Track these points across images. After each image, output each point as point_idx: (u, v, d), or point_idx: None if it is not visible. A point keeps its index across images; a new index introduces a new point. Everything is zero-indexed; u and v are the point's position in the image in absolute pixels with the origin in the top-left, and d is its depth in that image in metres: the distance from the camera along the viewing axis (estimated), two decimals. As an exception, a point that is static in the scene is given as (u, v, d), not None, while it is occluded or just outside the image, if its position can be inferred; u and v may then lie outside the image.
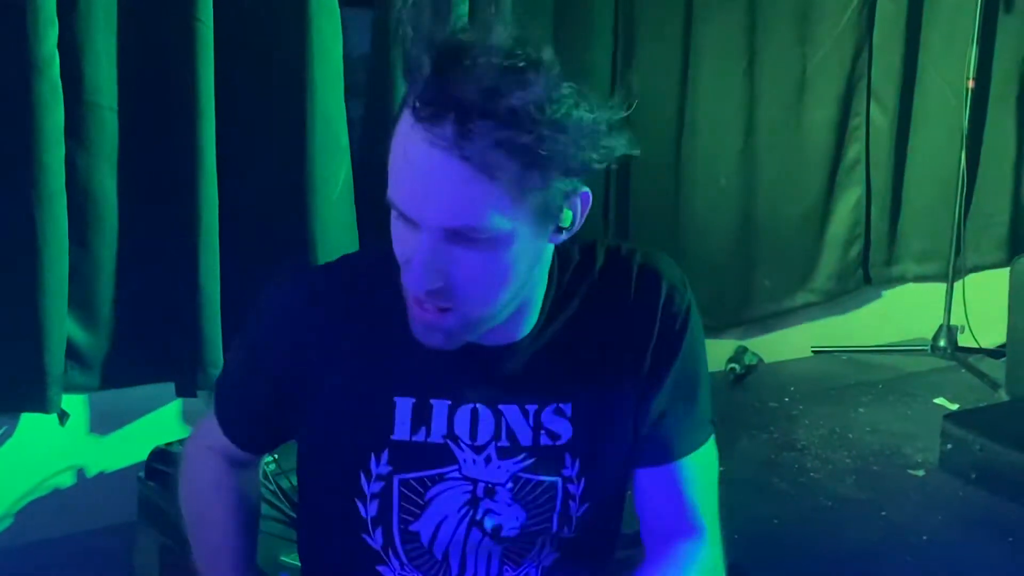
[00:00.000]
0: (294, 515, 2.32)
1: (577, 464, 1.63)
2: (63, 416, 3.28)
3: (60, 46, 3.09)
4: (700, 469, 1.69)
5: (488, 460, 1.61)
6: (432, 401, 1.60)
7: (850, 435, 4.29)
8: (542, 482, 1.62)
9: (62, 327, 3.21)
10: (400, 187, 1.39)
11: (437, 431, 1.60)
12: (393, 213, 1.44)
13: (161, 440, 3.19)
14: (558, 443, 1.61)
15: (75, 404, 3.36)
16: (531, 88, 1.34)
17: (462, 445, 1.60)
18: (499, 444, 1.61)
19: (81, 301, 3.29)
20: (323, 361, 1.60)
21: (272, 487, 2.78)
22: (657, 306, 1.62)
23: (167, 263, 3.37)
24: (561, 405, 1.61)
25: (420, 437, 1.60)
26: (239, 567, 1.80)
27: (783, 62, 4.84)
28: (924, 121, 5.16)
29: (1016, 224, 5.41)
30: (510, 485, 1.62)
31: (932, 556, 3.51)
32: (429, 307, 1.46)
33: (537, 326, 1.60)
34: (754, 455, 4.14)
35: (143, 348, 3.41)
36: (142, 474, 3.16)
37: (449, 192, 1.36)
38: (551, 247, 1.56)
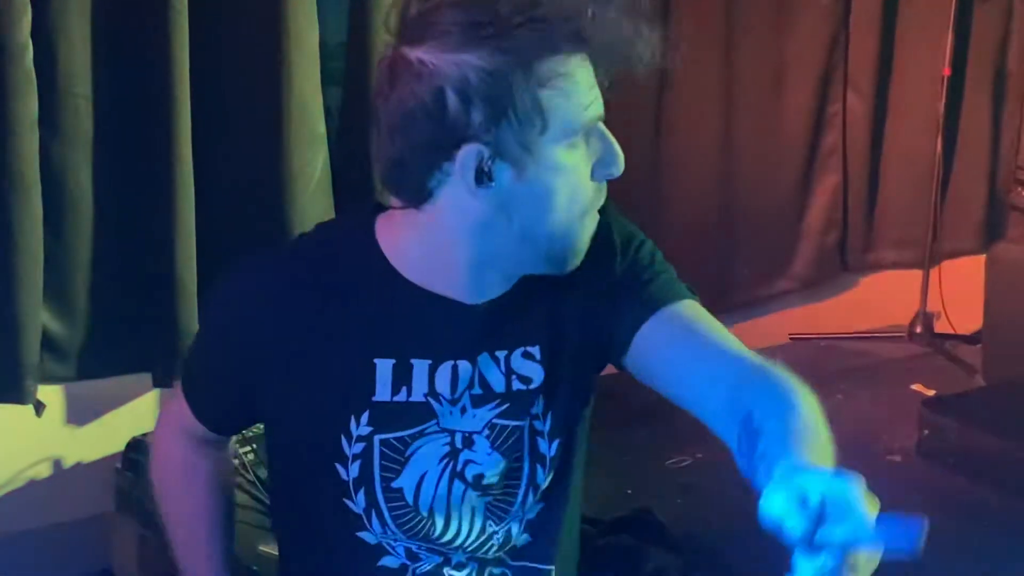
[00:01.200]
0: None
1: (548, 406, 1.66)
2: (39, 407, 3.27)
3: (34, 34, 3.07)
4: (704, 313, 1.71)
5: (463, 410, 1.64)
6: (412, 361, 1.62)
7: (827, 422, 4.29)
8: (516, 426, 1.65)
9: (37, 317, 3.20)
10: (596, 101, 1.55)
11: (418, 390, 1.63)
12: (571, 154, 1.54)
13: (138, 430, 3.18)
14: (531, 387, 1.65)
15: (51, 395, 3.35)
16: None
17: (442, 400, 1.63)
18: (472, 392, 1.64)
19: (56, 291, 3.28)
20: (296, 338, 1.62)
21: (251, 477, 2.78)
22: (615, 244, 1.70)
23: (143, 253, 3.36)
24: (528, 348, 1.65)
25: (402, 397, 1.62)
26: (215, 547, 1.85)
27: (760, 50, 4.84)
28: (901, 109, 5.17)
29: (992, 210, 5.42)
30: (487, 432, 1.65)
31: (910, 542, 3.52)
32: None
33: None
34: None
35: (119, 338, 3.40)
36: (119, 465, 3.16)
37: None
38: None
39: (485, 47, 1.46)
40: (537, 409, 1.65)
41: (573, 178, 1.53)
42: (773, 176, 5.01)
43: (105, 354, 3.40)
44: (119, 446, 3.19)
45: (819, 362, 5.00)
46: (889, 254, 5.33)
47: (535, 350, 1.64)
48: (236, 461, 3.21)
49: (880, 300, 5.35)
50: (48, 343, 3.28)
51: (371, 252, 1.63)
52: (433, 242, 1.58)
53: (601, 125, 1.56)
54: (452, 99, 1.47)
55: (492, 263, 1.58)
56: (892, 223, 5.28)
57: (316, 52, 3.48)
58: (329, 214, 3.55)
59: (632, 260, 1.71)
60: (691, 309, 1.69)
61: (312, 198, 3.49)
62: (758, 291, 5.01)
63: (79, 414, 3.48)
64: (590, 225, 1.60)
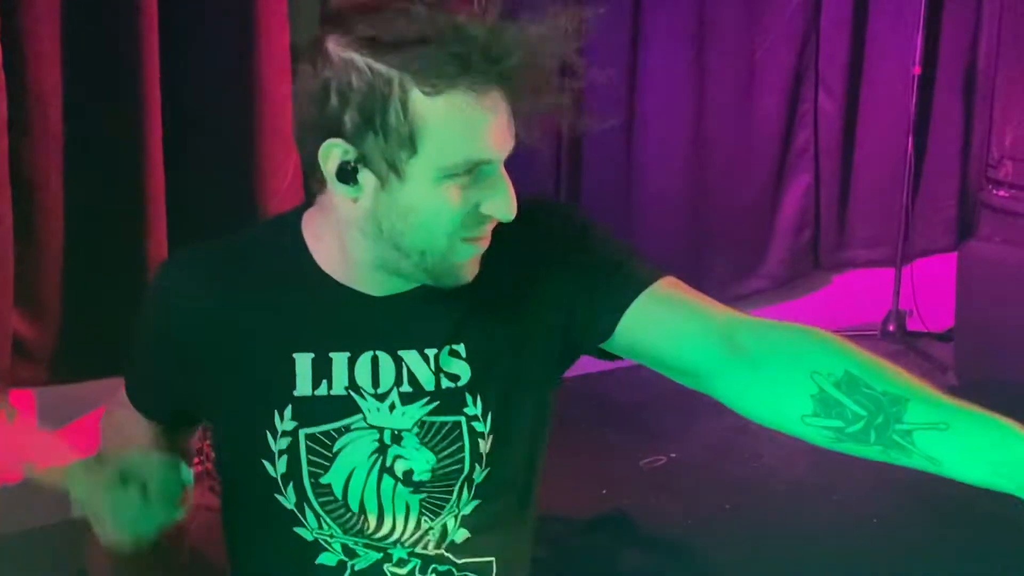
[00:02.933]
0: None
1: (479, 402, 1.64)
2: (10, 411, 3.25)
3: (3, 37, 3.06)
4: (684, 285, 1.66)
5: (392, 407, 1.62)
6: (331, 354, 1.62)
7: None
8: (446, 423, 1.64)
9: (7, 321, 3.18)
10: (478, 142, 1.48)
11: (339, 383, 1.62)
12: (443, 187, 1.48)
13: (110, 434, 3.17)
14: (459, 384, 1.64)
15: (23, 399, 3.33)
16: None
17: (364, 395, 1.62)
18: (401, 390, 1.63)
19: (27, 295, 3.26)
20: (218, 333, 1.64)
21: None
22: (550, 227, 1.67)
23: (114, 255, 3.35)
24: (454, 346, 1.64)
25: (323, 390, 1.62)
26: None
27: (731, 49, 4.85)
28: (872, 107, 5.19)
29: (963, 209, 5.45)
30: (416, 430, 1.63)
31: (884, 538, 3.53)
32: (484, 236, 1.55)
33: None
34: (707, 440, 4.15)
35: (91, 342, 3.39)
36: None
37: (509, 120, 1.52)
38: None
39: (378, 56, 1.45)
40: (474, 410, 1.64)
41: (440, 207, 1.49)
42: (745, 175, 5.02)
43: (77, 358, 3.38)
44: (90, 452, 3.17)
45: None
46: (861, 252, 5.36)
47: (460, 348, 1.64)
48: (208, 464, 3.21)
49: (853, 298, 5.37)
50: (19, 347, 3.27)
51: (294, 245, 1.63)
52: (337, 233, 1.59)
53: (495, 168, 1.51)
54: (333, 95, 1.47)
55: (383, 265, 1.58)
56: (864, 221, 5.31)
57: (287, 53, 3.47)
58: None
59: (593, 246, 1.67)
60: (667, 287, 1.64)
61: (283, 199, 3.48)
62: (731, 290, 5.03)
63: (51, 418, 3.46)
64: (469, 249, 1.54)
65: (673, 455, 3.90)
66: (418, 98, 1.45)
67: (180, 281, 1.68)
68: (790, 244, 5.18)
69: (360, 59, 1.46)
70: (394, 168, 1.48)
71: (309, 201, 1.65)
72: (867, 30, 5.13)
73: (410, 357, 1.63)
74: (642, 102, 4.66)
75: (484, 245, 1.55)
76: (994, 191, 5.02)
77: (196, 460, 3.19)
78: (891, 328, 5.13)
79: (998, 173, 5.01)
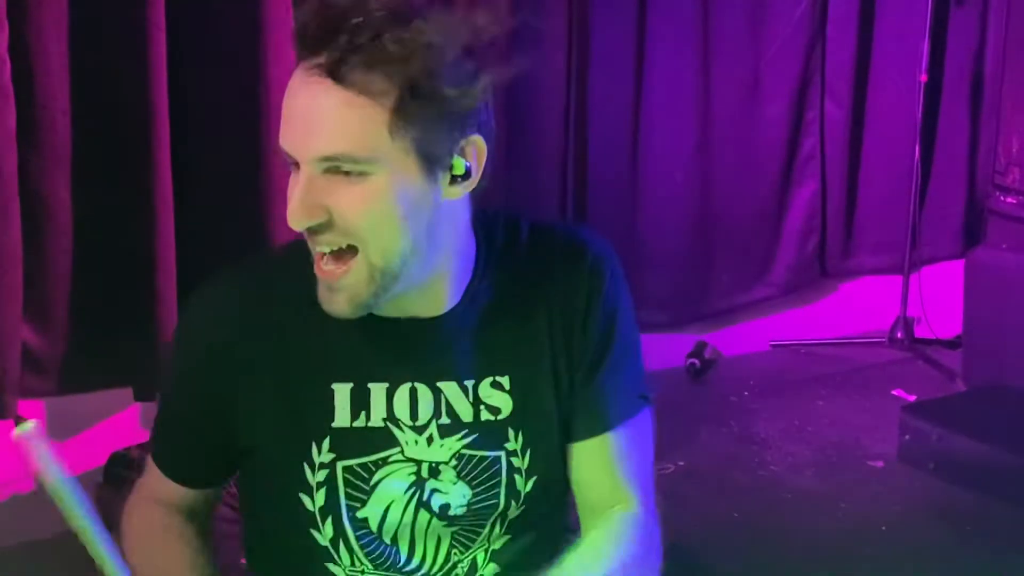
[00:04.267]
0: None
1: (520, 437, 1.62)
2: (19, 421, 3.25)
3: (11, 49, 3.06)
4: (635, 440, 1.68)
5: (430, 440, 1.60)
6: (370, 385, 1.59)
7: (809, 428, 4.31)
8: (485, 457, 1.62)
9: (16, 332, 3.19)
10: (284, 129, 1.46)
11: (377, 415, 1.59)
12: (291, 176, 1.47)
13: (119, 445, 3.17)
14: (499, 417, 1.62)
15: (32, 410, 3.34)
16: (415, 24, 1.40)
17: (403, 427, 1.60)
18: (440, 422, 1.60)
19: (36, 306, 3.27)
20: (253, 364, 1.59)
21: (232, 489, 2.77)
22: (583, 276, 1.65)
23: (123, 267, 3.35)
24: (498, 378, 1.61)
25: (360, 422, 1.59)
26: None
27: (737, 58, 4.86)
28: (878, 115, 5.19)
29: (970, 216, 5.44)
30: (454, 463, 1.61)
31: (891, 547, 3.53)
32: (328, 262, 1.48)
33: (465, 298, 1.60)
34: (714, 449, 4.15)
35: (100, 352, 3.39)
36: (101, 479, 3.14)
37: (328, 119, 1.41)
38: (463, 211, 1.56)
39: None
40: (514, 444, 1.62)
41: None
42: (752, 183, 5.02)
43: (86, 368, 3.38)
44: (100, 461, 3.18)
45: (800, 368, 5.01)
46: (868, 260, 5.35)
47: (504, 380, 1.61)
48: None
49: (860, 305, 5.36)
50: (28, 358, 3.27)
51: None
52: None
53: (300, 166, 1.46)
54: None
55: None
56: (871, 229, 5.30)
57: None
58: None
59: (609, 329, 1.65)
60: (632, 435, 1.68)
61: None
62: (738, 298, 5.02)
63: (60, 429, 3.47)
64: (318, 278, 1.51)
65: (681, 463, 3.90)
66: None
67: (212, 314, 1.63)
68: (797, 252, 5.17)
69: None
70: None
71: None
72: (873, 38, 5.12)
73: (448, 388, 1.60)
74: (648, 111, 4.66)
75: (324, 278, 1.50)
76: (1002, 198, 5.02)
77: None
78: (899, 335, 5.12)
79: (1005, 180, 5.02)
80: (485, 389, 1.61)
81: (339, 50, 1.39)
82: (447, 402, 1.60)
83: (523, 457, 1.63)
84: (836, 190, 5.21)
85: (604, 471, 1.66)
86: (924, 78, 4.97)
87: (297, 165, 1.46)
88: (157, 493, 1.72)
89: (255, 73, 3.40)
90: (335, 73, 1.40)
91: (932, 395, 4.57)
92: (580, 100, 4.44)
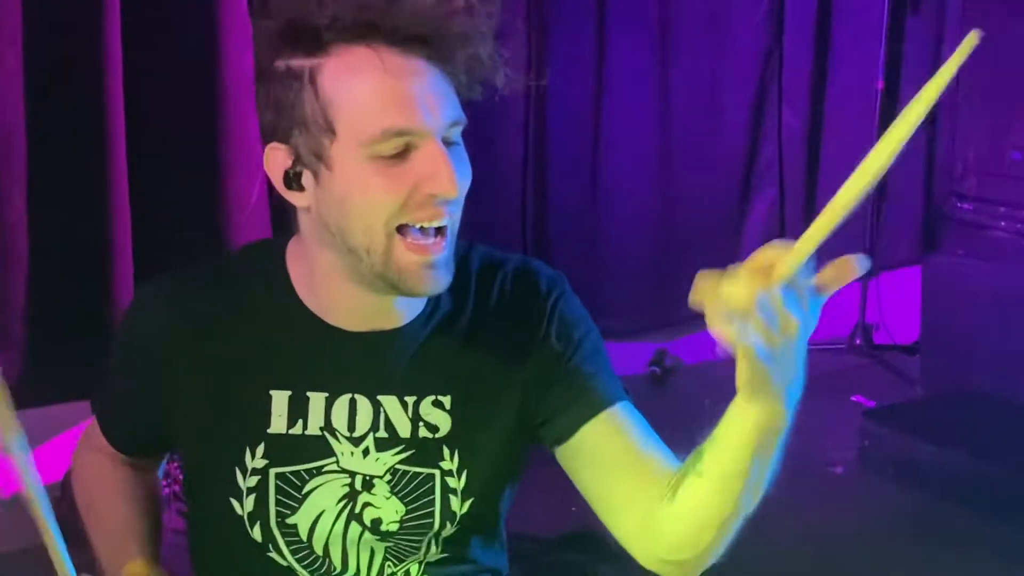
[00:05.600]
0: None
1: (457, 457, 1.61)
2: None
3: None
4: (640, 419, 1.65)
5: (366, 452, 1.59)
6: (309, 393, 1.58)
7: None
8: (419, 473, 1.61)
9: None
10: (400, 110, 1.43)
11: (314, 423, 1.58)
12: (371, 166, 1.44)
13: (77, 459, 3.14)
14: (436, 435, 1.60)
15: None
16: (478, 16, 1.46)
17: (340, 437, 1.59)
18: (377, 435, 1.59)
19: (-7, 320, 3.24)
20: (193, 364, 1.59)
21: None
22: (538, 297, 1.64)
23: (80, 280, 3.33)
24: (440, 397, 1.60)
25: (297, 430, 1.58)
26: (141, 544, 1.75)
27: (695, 66, 4.88)
28: (836, 122, 5.22)
29: (928, 222, 5.48)
30: (388, 477, 1.60)
31: (851, 551, 3.54)
32: (436, 240, 1.48)
33: (421, 315, 1.60)
34: (679, 454, 4.14)
35: (57, 367, 3.36)
36: (59, 494, 3.11)
37: (441, 90, 1.46)
38: None
39: (293, 51, 1.45)
40: (449, 464, 1.61)
41: (369, 190, 1.44)
42: (711, 191, 5.04)
43: (43, 383, 3.35)
44: (58, 475, 3.15)
45: (761, 375, 5.03)
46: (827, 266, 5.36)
47: (446, 399, 1.60)
48: (176, 487, 3.19)
49: (821, 312, 5.38)
50: (-15, 372, 3.24)
51: (277, 276, 1.60)
52: (308, 258, 1.57)
53: (428, 140, 1.44)
54: (261, 101, 1.49)
55: (349, 280, 1.53)
56: (830, 235, 5.32)
57: (251, 73, 3.46)
58: (266, 235, 3.53)
59: (570, 338, 1.64)
60: (629, 414, 1.64)
61: (250, 220, 3.47)
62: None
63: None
64: (412, 257, 1.47)
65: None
66: (327, 78, 1.44)
67: (157, 307, 1.63)
68: (757, 259, 5.19)
69: (281, 63, 1.46)
70: (321, 158, 1.45)
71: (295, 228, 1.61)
72: (830, 45, 5.16)
73: (389, 402, 1.59)
74: (608, 120, 4.67)
75: (432, 254, 1.48)
76: (958, 204, 5.04)
77: (164, 483, 3.16)
78: (858, 341, 5.15)
79: (962, 186, 5.04)
80: (426, 406, 1.60)
81: (436, 33, 1.44)
82: (386, 416, 1.59)
83: (459, 477, 1.61)
84: (795, 197, 5.24)
85: (628, 441, 1.61)
86: (881, 85, 5.00)
87: (400, 154, 1.44)
88: (102, 445, 1.79)
89: (212, 81, 3.39)
90: (431, 52, 1.45)
91: (891, 400, 4.60)
92: (539, 110, 4.45)
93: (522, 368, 1.62)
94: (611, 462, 1.60)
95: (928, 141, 5.40)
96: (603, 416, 1.60)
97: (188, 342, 1.59)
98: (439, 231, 1.48)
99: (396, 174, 1.44)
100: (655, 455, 1.60)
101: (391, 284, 1.50)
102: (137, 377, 1.65)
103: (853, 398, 4.73)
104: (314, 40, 1.44)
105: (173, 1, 3.44)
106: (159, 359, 1.61)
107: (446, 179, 1.44)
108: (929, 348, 4.65)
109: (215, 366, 1.59)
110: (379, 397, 1.59)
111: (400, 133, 1.43)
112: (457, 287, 1.57)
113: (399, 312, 1.58)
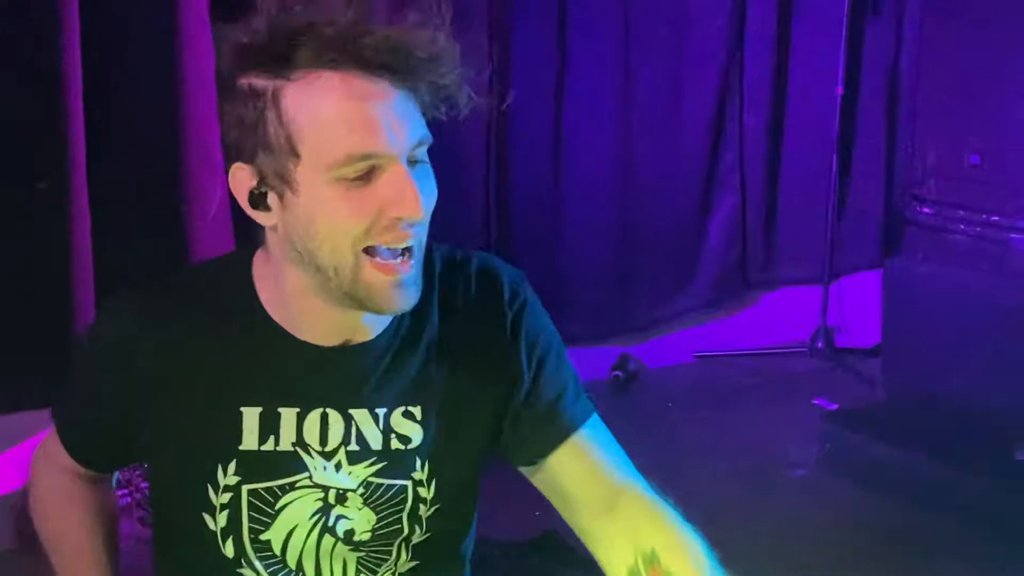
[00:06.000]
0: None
1: (427, 467, 1.62)
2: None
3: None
4: (604, 437, 1.69)
5: (339, 466, 1.59)
6: (280, 409, 1.58)
7: (731, 438, 4.33)
8: (392, 485, 1.61)
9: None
10: (365, 135, 1.42)
11: (286, 439, 1.58)
12: (336, 189, 1.44)
13: (38, 467, 3.12)
14: (409, 447, 1.61)
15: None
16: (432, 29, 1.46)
17: (312, 452, 1.59)
18: (349, 449, 1.59)
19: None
20: (162, 380, 1.58)
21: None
22: (502, 303, 1.65)
23: (40, 288, 3.31)
24: (410, 408, 1.61)
25: (269, 446, 1.58)
26: (100, 568, 1.78)
27: (656, 71, 4.89)
28: (797, 127, 5.25)
29: (888, 226, 5.51)
30: (361, 490, 1.60)
31: (813, 555, 3.55)
32: (403, 260, 1.48)
33: (391, 327, 1.60)
34: (637, 460, 4.13)
35: (17, 375, 3.34)
36: (21, 501, 3.09)
37: (406, 110, 1.45)
38: None
39: (257, 71, 1.44)
40: (420, 474, 1.62)
41: (334, 213, 1.44)
42: (673, 196, 5.05)
43: (3, 390, 3.33)
44: (19, 483, 3.13)
45: (723, 378, 5.05)
46: (789, 270, 5.40)
47: (416, 410, 1.61)
48: (137, 495, 3.17)
49: (782, 316, 5.41)
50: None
51: (243, 290, 1.59)
52: (274, 274, 1.56)
53: (392, 163, 1.44)
54: (225, 121, 1.48)
55: (317, 296, 1.52)
56: (791, 240, 5.35)
57: (212, 83, 3.45)
58: (227, 243, 3.52)
59: (533, 354, 1.66)
60: (594, 434, 1.68)
61: (212, 226, 3.46)
62: (661, 310, 5.05)
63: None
64: (379, 276, 1.48)
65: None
66: (290, 101, 1.43)
67: (124, 323, 1.61)
68: (718, 263, 5.21)
69: (244, 81, 1.45)
70: (286, 180, 1.45)
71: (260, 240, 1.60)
72: (791, 51, 5.18)
73: (360, 415, 1.59)
74: (569, 125, 4.68)
75: (399, 273, 1.48)
76: (919, 208, 5.07)
77: (123, 492, 3.15)
78: (820, 345, 5.18)
79: (922, 190, 5.07)
80: (396, 418, 1.61)
81: (398, 57, 1.43)
82: (358, 429, 1.59)
83: (428, 487, 1.63)
84: (756, 202, 5.26)
85: (591, 467, 1.66)
86: (840, 90, 5.03)
87: (365, 176, 1.44)
88: (60, 459, 1.76)
89: (173, 87, 3.38)
90: (397, 77, 1.44)
91: (853, 403, 4.62)
92: (500, 116, 4.44)
93: (490, 384, 1.64)
94: (576, 485, 1.66)
95: (888, 145, 5.43)
96: (569, 443, 1.65)
97: (156, 358, 1.58)
98: (406, 251, 1.48)
99: (361, 197, 1.44)
100: (618, 476, 1.66)
101: (359, 302, 1.51)
102: (105, 387, 1.63)
103: (815, 401, 4.76)
104: (278, 62, 1.43)
105: (133, 6, 3.42)
106: (128, 373, 1.59)
107: (411, 202, 1.44)
108: (890, 351, 4.67)
109: (184, 383, 1.58)
110: (350, 411, 1.59)
111: (365, 157, 1.43)
112: (426, 292, 1.57)
113: (367, 326, 1.58)
